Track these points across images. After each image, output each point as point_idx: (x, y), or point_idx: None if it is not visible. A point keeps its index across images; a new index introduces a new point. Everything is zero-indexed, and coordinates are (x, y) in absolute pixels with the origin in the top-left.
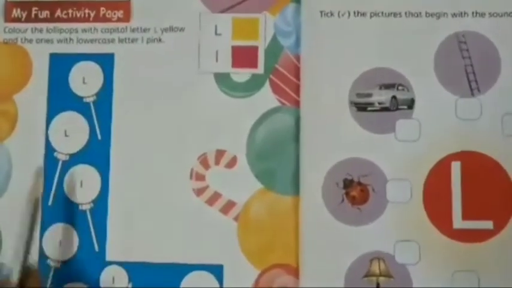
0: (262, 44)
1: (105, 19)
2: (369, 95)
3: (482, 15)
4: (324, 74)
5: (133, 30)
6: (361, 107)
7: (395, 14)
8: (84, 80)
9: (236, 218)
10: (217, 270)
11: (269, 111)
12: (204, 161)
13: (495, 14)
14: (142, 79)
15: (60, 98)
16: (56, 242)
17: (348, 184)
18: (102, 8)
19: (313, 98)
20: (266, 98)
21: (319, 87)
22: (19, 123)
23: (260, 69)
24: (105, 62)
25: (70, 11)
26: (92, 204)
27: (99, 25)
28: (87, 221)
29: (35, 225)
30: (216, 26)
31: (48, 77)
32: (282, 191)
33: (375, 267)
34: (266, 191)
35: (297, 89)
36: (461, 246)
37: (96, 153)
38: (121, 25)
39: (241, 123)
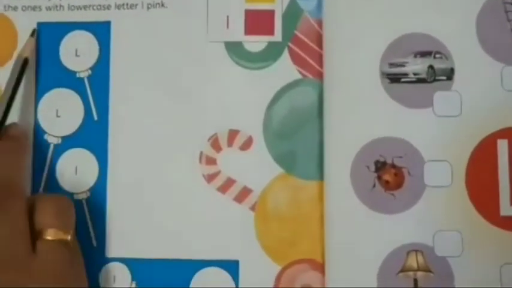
0: (279, 8)
1: None
2: (403, 65)
3: None
4: (350, 41)
5: None
6: (393, 79)
7: None
8: (77, 53)
9: (253, 207)
10: (232, 267)
11: (288, 85)
12: (215, 143)
13: None
14: (142, 50)
15: (50, 73)
16: None
17: (380, 167)
18: None
19: (339, 69)
20: (285, 70)
21: (344, 57)
22: None
23: (277, 37)
24: (101, 31)
25: None
26: (88, 194)
27: None
28: (84, 213)
29: (17, 90)
30: None
31: (36, 49)
32: (304, 176)
33: (412, 261)
34: (286, 175)
35: (320, 59)
36: (510, 235)
37: (92, 135)
38: None
39: (256, 99)
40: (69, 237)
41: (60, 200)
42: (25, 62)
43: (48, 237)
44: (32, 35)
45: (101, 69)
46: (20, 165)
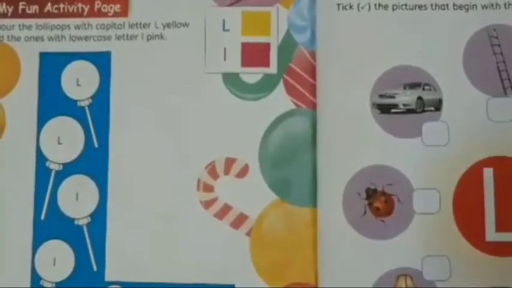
0: (274, 41)
1: (100, 14)
2: (393, 96)
3: None
4: (343, 73)
5: (131, 26)
6: (384, 109)
7: (420, 7)
8: (78, 82)
9: (248, 233)
10: None
11: (283, 115)
12: (212, 170)
13: None
14: (142, 80)
15: (52, 101)
16: (50, 260)
17: (370, 194)
18: (97, 2)
19: (331, 100)
20: (280, 100)
21: (337, 88)
22: (7, 130)
23: (273, 69)
24: (101, 61)
25: (61, 5)
26: (89, 219)
27: (94, 20)
28: (84, 238)
29: None
30: (223, 21)
31: (39, 78)
32: (298, 203)
33: (402, 285)
34: (281, 202)
35: (313, 90)
36: (495, 260)
37: (93, 162)
38: (118, 20)
39: (252, 128)
40: None
41: None
42: None
43: None
44: None
45: (101, 98)
46: None
